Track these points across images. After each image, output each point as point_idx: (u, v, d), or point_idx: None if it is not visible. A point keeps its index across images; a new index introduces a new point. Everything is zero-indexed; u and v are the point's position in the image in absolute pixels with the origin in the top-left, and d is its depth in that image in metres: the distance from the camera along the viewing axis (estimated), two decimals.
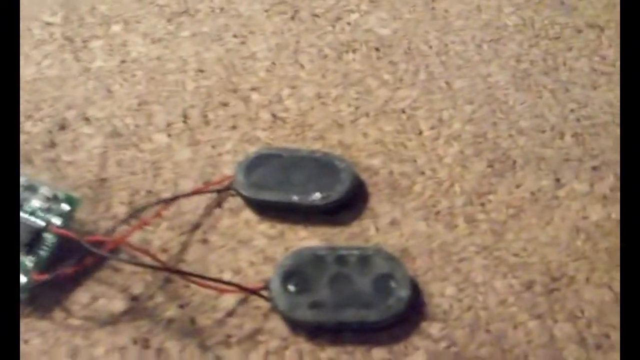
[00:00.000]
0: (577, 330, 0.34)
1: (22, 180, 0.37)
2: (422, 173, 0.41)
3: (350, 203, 0.39)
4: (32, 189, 0.37)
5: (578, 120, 0.45)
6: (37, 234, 0.35)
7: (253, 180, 0.39)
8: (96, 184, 0.40)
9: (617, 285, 0.36)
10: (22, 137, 0.43)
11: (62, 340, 0.34)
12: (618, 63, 0.48)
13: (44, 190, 0.36)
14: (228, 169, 0.41)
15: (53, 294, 0.35)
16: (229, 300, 0.35)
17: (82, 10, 0.52)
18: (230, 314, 0.34)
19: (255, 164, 0.39)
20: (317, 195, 0.38)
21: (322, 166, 0.39)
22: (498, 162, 0.42)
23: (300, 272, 0.34)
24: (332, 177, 0.39)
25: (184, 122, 0.44)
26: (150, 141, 0.43)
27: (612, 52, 0.49)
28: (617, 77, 0.47)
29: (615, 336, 0.34)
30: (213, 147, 0.43)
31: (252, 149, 0.42)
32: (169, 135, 0.43)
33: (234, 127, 0.44)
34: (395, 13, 0.51)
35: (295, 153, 0.40)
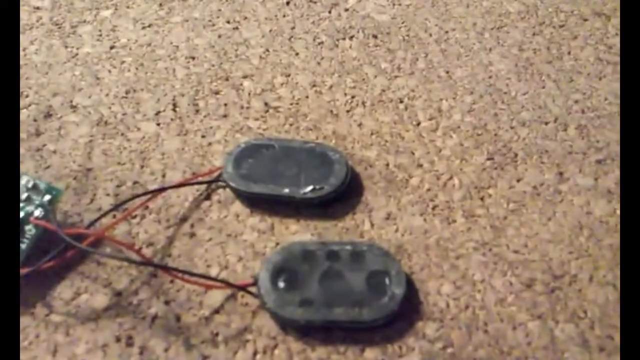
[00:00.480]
0: (579, 332, 0.32)
1: None
2: (420, 166, 0.39)
3: (344, 196, 0.37)
4: None
5: (582, 111, 0.43)
6: None
7: (243, 171, 0.37)
8: (81, 174, 0.39)
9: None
10: None
11: (42, 337, 0.32)
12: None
13: (25, 181, 0.35)
14: (218, 160, 0.40)
15: (34, 288, 0.33)
16: (216, 296, 0.33)
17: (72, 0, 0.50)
18: (217, 311, 0.33)
19: (245, 155, 0.38)
20: (310, 188, 0.36)
21: (315, 157, 0.38)
22: (499, 154, 0.40)
23: (290, 268, 0.33)
24: (326, 169, 0.37)
25: (174, 110, 0.42)
26: (138, 130, 0.41)
27: (618, 41, 0.48)
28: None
29: (619, 338, 0.32)
30: (203, 136, 0.41)
31: (243, 139, 0.40)
32: (158, 124, 0.42)
33: (224, 116, 0.42)
34: (394, 1, 0.49)
35: (287, 143, 0.39)
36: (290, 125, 0.42)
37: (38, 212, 0.34)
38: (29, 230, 0.34)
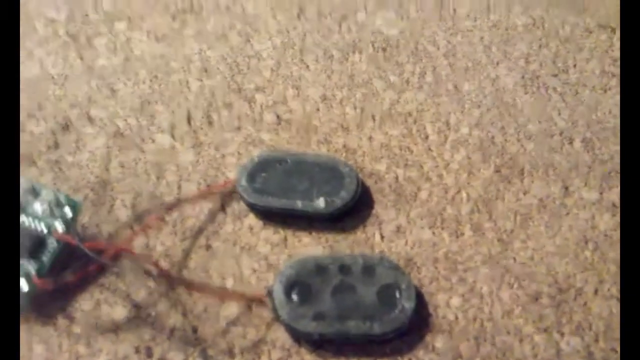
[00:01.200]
0: (584, 344, 0.33)
1: (24, 182, 0.36)
2: (428, 179, 0.40)
3: (355, 209, 0.38)
4: (34, 192, 0.36)
5: (588, 124, 0.44)
6: (39, 240, 0.35)
7: (256, 185, 0.38)
8: (99, 186, 0.40)
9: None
10: (25, 138, 0.42)
11: (64, 348, 0.33)
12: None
13: (46, 194, 0.36)
14: (232, 172, 0.41)
15: (56, 300, 0.35)
16: (232, 308, 0.35)
17: (87, 7, 0.51)
18: (234, 322, 0.34)
19: (258, 169, 0.39)
20: (321, 202, 0.37)
21: (327, 171, 0.39)
22: (505, 167, 0.41)
23: (303, 282, 0.34)
24: (337, 182, 0.38)
25: (188, 123, 0.44)
26: (153, 142, 0.42)
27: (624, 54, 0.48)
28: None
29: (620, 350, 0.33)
30: (217, 149, 0.42)
31: (256, 152, 0.41)
32: (173, 137, 0.43)
33: (238, 129, 0.43)
34: (402, 12, 0.50)
35: (300, 157, 0.40)
36: (302, 138, 0.43)
37: (60, 226, 0.35)
38: (51, 243, 0.35)
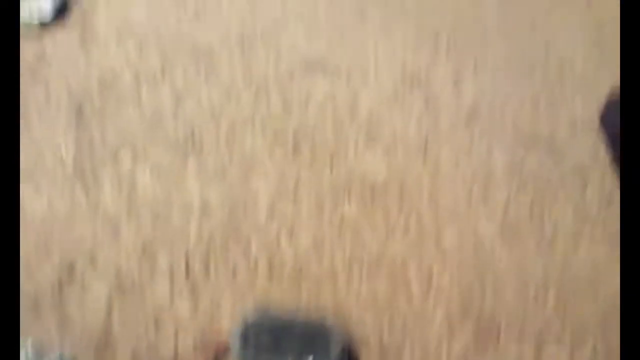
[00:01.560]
0: None
1: (30, 347, 0.39)
2: (411, 337, 0.43)
3: None
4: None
5: (561, 277, 0.47)
6: None
7: (249, 349, 0.41)
8: (101, 340, 0.42)
9: None
10: (31, 284, 0.45)
11: None
12: (602, 211, 0.50)
13: None
14: (226, 321, 0.43)
15: None
16: None
17: (93, 139, 0.53)
18: None
19: (251, 332, 0.41)
20: None
21: (315, 338, 0.41)
22: (483, 325, 0.44)
23: None
24: (325, 349, 0.41)
25: (186, 272, 0.46)
26: (152, 292, 0.45)
27: (597, 200, 0.51)
28: (601, 228, 0.49)
29: None
30: (212, 300, 0.45)
31: (250, 311, 0.43)
32: (171, 286, 0.45)
33: (233, 278, 0.46)
34: (389, 155, 0.53)
35: (290, 322, 0.42)
36: (293, 286, 0.45)
37: None
38: None
